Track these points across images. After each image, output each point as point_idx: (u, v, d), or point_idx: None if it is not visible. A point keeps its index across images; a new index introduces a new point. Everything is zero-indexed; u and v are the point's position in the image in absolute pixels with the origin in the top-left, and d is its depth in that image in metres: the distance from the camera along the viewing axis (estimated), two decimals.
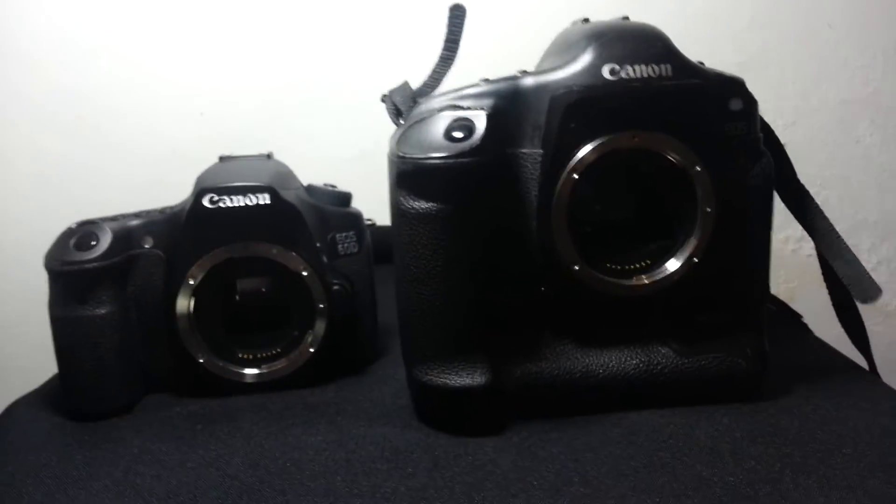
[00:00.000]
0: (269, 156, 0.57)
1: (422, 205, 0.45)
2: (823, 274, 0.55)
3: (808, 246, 0.86)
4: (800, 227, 0.54)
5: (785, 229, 0.53)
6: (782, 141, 0.53)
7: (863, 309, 0.55)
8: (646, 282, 0.47)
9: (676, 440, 0.45)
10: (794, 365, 0.54)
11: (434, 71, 0.53)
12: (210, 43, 0.80)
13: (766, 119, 0.50)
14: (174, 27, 0.80)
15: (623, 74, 0.44)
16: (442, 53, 0.53)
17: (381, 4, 0.83)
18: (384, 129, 0.51)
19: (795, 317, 0.65)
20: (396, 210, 0.46)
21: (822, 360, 0.57)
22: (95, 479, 0.44)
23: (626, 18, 0.49)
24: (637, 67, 0.44)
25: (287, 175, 0.56)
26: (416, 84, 0.52)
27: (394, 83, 0.52)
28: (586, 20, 0.49)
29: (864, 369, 0.56)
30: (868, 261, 0.95)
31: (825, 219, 0.52)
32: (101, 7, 0.79)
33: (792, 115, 0.91)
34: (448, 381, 0.46)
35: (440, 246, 0.45)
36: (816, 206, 0.53)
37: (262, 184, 0.51)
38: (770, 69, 0.89)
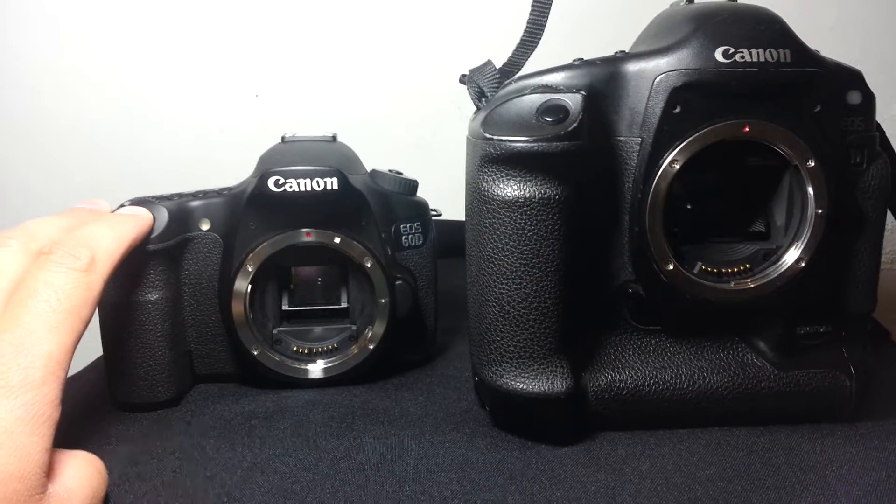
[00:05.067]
0: (333, 138, 0.54)
1: (508, 192, 0.41)
2: None
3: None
4: None
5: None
6: None
7: None
8: (745, 287, 0.43)
9: (777, 462, 0.41)
10: (889, 384, 0.50)
11: (515, 52, 0.49)
12: (263, 24, 0.77)
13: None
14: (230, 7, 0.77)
15: (738, 58, 0.40)
16: (523, 37, 0.49)
17: None
18: (444, 116, 0.47)
19: (884, 333, 0.60)
20: (478, 197, 0.42)
21: None
22: (142, 477, 0.40)
23: (735, 0, 0.45)
24: (754, 51, 0.40)
25: (353, 159, 0.52)
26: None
27: (455, 68, 0.48)
28: (690, 1, 0.45)
29: None
30: None
31: None
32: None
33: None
34: (526, 386, 0.42)
35: (526, 237, 0.41)
36: None
37: (330, 167, 0.47)
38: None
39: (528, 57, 0.49)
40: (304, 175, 0.47)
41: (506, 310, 0.42)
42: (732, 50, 0.40)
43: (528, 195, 0.41)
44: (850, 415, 0.45)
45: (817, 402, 0.45)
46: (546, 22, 0.49)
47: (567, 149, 0.40)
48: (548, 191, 0.41)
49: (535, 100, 0.42)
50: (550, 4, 0.49)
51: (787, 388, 0.44)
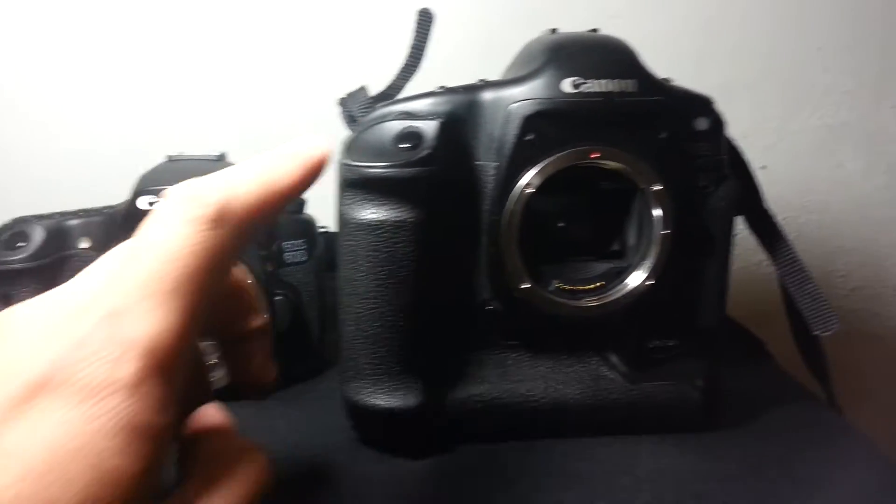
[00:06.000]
0: (220, 157, 0.55)
1: (364, 215, 0.43)
2: (784, 302, 0.54)
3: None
4: None
5: (758, 252, 0.52)
6: (762, 164, 0.51)
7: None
8: (596, 304, 0.45)
9: (617, 472, 0.43)
10: (750, 394, 0.52)
11: (396, 77, 0.51)
12: (161, 38, 0.78)
13: (746, 140, 0.49)
14: (121, 20, 0.78)
15: (584, 88, 0.42)
16: (406, 60, 0.51)
17: (345, 5, 0.81)
18: (344, 134, 0.49)
19: (758, 343, 0.63)
20: (340, 219, 0.44)
21: (780, 391, 0.54)
22: None
23: (595, 31, 0.47)
24: (599, 82, 0.42)
25: None
26: (376, 90, 0.50)
27: (354, 84, 0.50)
28: (554, 31, 0.47)
29: (822, 401, 0.54)
30: (841, 288, 0.93)
31: (789, 246, 0.50)
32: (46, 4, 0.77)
33: (772, 137, 0.89)
34: (378, 402, 0.44)
35: (379, 259, 0.43)
36: (781, 232, 0.51)
37: None
38: (753, 90, 0.87)
39: (408, 81, 0.51)
40: None
41: (362, 328, 0.44)
42: (580, 80, 0.42)
43: (382, 218, 0.42)
44: (699, 425, 0.47)
45: (666, 413, 0.47)
46: (425, 47, 0.51)
47: (420, 174, 0.42)
48: (402, 214, 0.42)
49: (395, 126, 0.43)
50: (429, 30, 0.51)
51: (636, 399, 0.47)
